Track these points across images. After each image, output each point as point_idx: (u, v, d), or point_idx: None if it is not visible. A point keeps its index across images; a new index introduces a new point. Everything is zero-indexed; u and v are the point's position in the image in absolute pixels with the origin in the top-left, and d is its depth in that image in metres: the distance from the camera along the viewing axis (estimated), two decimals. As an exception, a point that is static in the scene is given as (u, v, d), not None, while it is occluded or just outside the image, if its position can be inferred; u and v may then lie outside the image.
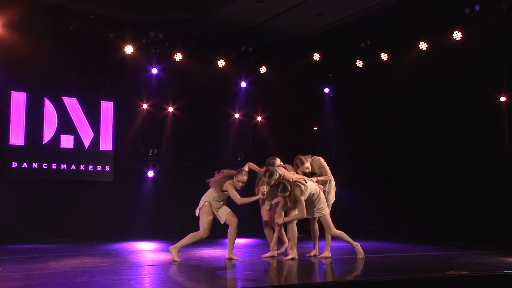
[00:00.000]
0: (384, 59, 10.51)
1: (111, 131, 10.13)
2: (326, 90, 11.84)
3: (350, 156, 11.50)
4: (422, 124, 10.24)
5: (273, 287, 4.82)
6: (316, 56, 11.23)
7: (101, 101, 10.08)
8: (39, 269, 5.88)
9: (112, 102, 10.16)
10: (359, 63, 10.99)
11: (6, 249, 7.74)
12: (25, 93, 9.40)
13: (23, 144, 9.34)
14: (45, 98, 9.58)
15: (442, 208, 9.68)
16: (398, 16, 10.12)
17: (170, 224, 10.24)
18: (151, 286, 5.10)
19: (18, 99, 9.36)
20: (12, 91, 9.30)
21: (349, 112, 11.48)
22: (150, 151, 10.31)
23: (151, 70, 10.31)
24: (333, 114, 11.70)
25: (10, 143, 9.21)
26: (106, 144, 10.06)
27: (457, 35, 8.98)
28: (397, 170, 10.77)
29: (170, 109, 10.61)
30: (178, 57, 10.27)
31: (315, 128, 12.03)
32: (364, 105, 11.39)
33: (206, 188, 11.46)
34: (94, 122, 9.97)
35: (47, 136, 9.55)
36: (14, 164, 9.25)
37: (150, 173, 10.31)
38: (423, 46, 9.75)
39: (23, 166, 9.31)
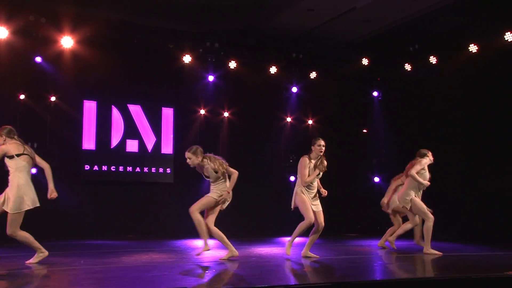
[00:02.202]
0: (433, 62, 10.33)
1: (172, 136, 10.45)
2: (375, 93, 11.76)
3: (399, 157, 11.31)
4: (471, 125, 9.97)
5: (333, 284, 4.84)
6: (365, 61, 11.14)
7: (162, 108, 10.42)
8: (114, 263, 6.12)
9: (172, 109, 10.49)
10: (408, 67, 10.85)
11: (82, 244, 8.14)
12: (95, 102, 9.87)
13: (94, 149, 9.79)
14: (112, 106, 10.01)
15: (492, 209, 9.40)
16: (446, 19, 9.87)
17: (226, 222, 10.40)
18: (214, 280, 5.20)
19: (90, 108, 9.84)
20: (84, 100, 9.80)
21: (397, 114, 11.32)
22: (207, 153, 10.48)
23: (207, 78, 10.58)
24: (382, 117, 11.60)
25: (83, 148, 9.71)
26: (167, 147, 10.38)
27: (509, 36, 8.70)
28: (446, 170, 10.52)
29: (226, 114, 10.84)
30: (232, 65, 10.47)
31: (365, 131, 11.95)
32: (412, 107, 11.19)
33: (258, 188, 11.57)
34: (156, 127, 10.32)
35: (115, 141, 9.97)
36: (87, 167, 9.73)
37: (208, 175, 10.52)
38: (473, 48, 9.53)
39: (94, 169, 9.77)
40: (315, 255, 6.55)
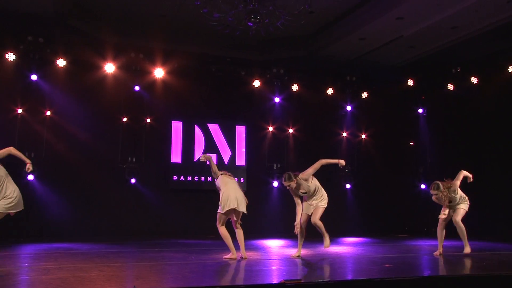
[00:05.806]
0: (474, 82, 10.40)
1: (244, 150, 10.73)
2: (420, 110, 11.82)
3: (443, 166, 11.39)
4: (508, 137, 10.04)
5: (409, 278, 4.81)
6: (410, 82, 11.31)
7: (236, 126, 10.73)
8: (218, 259, 6.41)
9: (245, 126, 10.79)
10: (450, 86, 10.90)
11: (174, 242, 8.49)
12: (181, 122, 10.30)
13: (180, 162, 10.25)
14: (195, 125, 10.41)
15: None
16: (486, 44, 9.96)
17: (293, 224, 10.73)
18: (292, 272, 5.38)
19: (176, 127, 10.30)
20: (172, 120, 10.25)
21: (441, 128, 11.38)
22: (275, 165, 10.82)
23: (274, 99, 10.88)
24: (427, 131, 11.66)
25: (171, 161, 10.17)
26: (241, 160, 10.69)
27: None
28: (488, 178, 10.56)
29: (290, 130, 11.08)
30: (295, 87, 10.81)
31: (411, 143, 12.01)
32: (454, 122, 11.20)
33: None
34: (231, 142, 10.64)
35: (197, 155, 10.32)
36: (174, 177, 10.22)
37: (275, 183, 10.81)
38: (511, 69, 9.64)
39: (180, 179, 10.24)
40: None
